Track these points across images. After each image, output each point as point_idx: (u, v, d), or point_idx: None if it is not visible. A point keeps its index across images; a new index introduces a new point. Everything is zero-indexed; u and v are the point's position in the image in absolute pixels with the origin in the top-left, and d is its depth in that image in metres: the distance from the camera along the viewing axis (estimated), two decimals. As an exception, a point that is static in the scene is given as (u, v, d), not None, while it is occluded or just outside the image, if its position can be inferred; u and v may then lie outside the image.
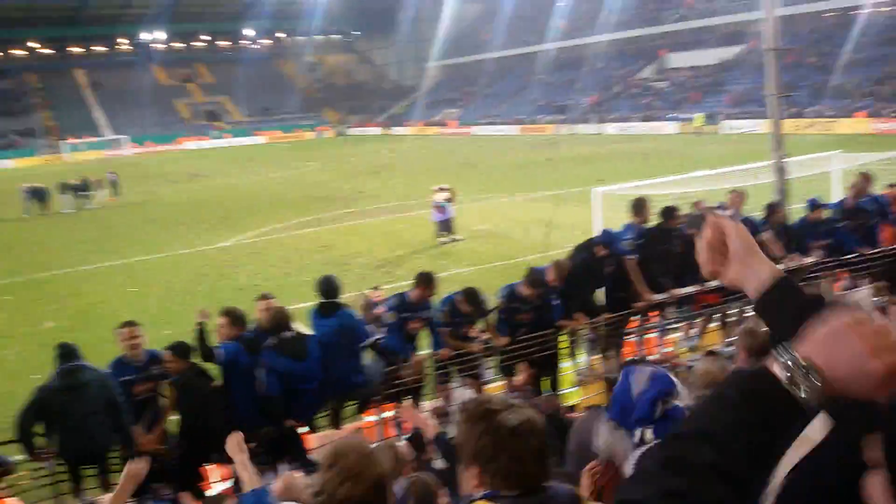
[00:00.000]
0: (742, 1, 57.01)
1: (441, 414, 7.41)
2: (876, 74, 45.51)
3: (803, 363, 1.01)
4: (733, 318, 8.85)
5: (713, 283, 8.54)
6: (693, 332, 9.18)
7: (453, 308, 7.68)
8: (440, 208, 18.36)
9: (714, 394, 1.08)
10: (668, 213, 8.86)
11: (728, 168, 16.55)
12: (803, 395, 1.00)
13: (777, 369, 1.03)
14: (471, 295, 7.58)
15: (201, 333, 6.03)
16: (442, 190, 18.57)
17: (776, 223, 9.14)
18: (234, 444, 3.57)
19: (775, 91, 9.62)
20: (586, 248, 8.56)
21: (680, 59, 63.25)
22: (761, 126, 43.85)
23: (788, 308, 1.24)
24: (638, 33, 66.98)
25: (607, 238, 8.60)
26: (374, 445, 2.42)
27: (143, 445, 5.89)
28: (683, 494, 0.97)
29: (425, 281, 7.56)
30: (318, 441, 6.70)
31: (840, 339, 1.01)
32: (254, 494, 3.16)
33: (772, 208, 9.36)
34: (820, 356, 1.01)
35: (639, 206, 8.86)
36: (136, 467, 3.83)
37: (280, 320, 6.42)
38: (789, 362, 1.02)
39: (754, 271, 1.28)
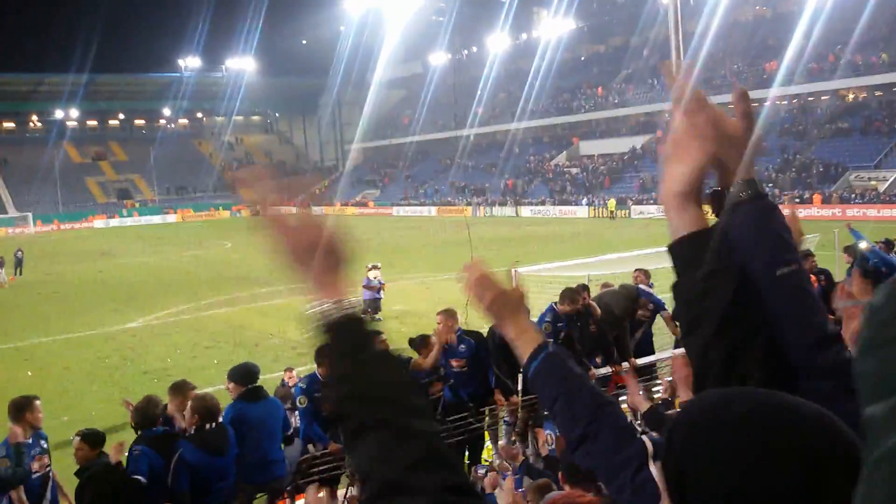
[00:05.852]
0: (650, 93, 60.42)
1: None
2: (775, 163, 48.07)
3: None
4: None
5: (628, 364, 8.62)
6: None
7: None
8: (372, 287, 17.99)
9: None
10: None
11: (639, 251, 17.00)
12: None
13: None
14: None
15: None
16: (374, 268, 18.24)
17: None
18: None
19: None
20: None
21: (592, 147, 65.98)
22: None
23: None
24: (553, 122, 70.39)
25: None
26: None
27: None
28: None
29: (322, 354, 7.17)
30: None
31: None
32: None
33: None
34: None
35: (571, 294, 8.55)
36: None
37: (209, 410, 5.87)
38: None
39: None
